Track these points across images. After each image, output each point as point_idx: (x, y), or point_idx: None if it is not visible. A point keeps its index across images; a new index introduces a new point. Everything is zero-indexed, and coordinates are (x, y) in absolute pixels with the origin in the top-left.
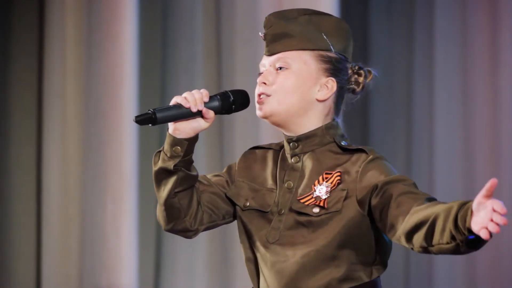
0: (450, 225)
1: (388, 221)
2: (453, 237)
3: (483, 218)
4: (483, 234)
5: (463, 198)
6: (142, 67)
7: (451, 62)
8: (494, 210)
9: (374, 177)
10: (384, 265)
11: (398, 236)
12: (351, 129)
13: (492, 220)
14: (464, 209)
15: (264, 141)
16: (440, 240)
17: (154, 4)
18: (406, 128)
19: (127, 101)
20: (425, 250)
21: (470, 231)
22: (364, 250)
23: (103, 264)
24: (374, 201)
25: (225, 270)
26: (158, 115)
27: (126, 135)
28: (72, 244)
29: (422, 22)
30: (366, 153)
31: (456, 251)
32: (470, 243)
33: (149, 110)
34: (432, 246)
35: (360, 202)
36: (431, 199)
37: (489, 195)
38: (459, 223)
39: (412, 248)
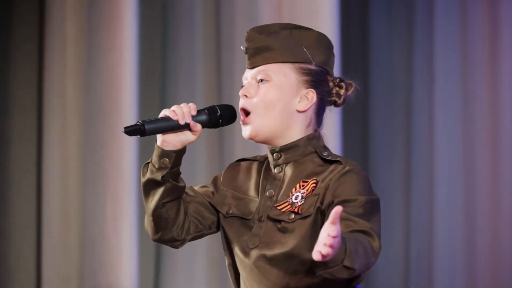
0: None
1: None
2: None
3: (318, 243)
4: (315, 256)
5: (462, 198)
6: (142, 67)
7: (451, 62)
8: (328, 235)
9: (338, 192)
10: (361, 276)
11: None
12: (351, 130)
13: (325, 244)
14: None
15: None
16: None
17: (154, 4)
18: (406, 128)
19: (127, 101)
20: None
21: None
22: None
23: (103, 264)
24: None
25: (224, 270)
26: (147, 126)
27: (126, 135)
28: (72, 244)
29: (421, 22)
30: (343, 164)
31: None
32: (318, 268)
33: (138, 121)
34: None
35: (322, 211)
36: (354, 231)
37: (334, 222)
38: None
39: None
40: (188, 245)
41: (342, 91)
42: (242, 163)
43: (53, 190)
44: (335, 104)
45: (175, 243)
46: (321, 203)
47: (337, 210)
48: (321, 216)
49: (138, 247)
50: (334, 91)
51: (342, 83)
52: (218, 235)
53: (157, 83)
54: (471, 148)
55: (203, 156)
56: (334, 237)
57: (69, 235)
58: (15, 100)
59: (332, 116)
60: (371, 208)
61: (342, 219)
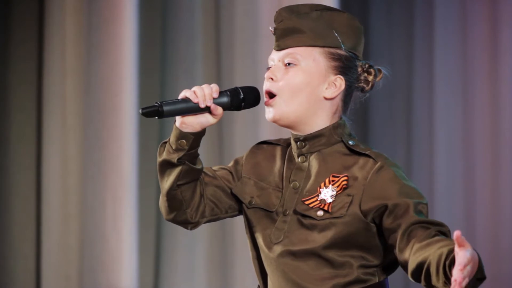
0: (442, 273)
1: (396, 249)
2: (445, 283)
3: (454, 274)
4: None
5: (462, 198)
6: (142, 67)
7: (451, 62)
8: (459, 270)
9: (382, 191)
10: (393, 266)
11: (405, 268)
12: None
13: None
14: (450, 258)
15: (263, 138)
16: (437, 283)
17: (154, 4)
18: (406, 128)
19: (127, 100)
20: None
21: None
22: (371, 254)
23: (103, 264)
24: (384, 223)
25: (224, 270)
26: (165, 108)
27: (126, 134)
28: (72, 244)
29: (421, 22)
30: (374, 159)
31: None
32: None
33: (156, 102)
34: (433, 286)
35: (364, 212)
36: (435, 234)
37: (461, 245)
38: (448, 273)
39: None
40: (188, 244)
41: (370, 77)
42: (266, 146)
43: (52, 190)
44: (362, 90)
45: (189, 225)
46: (360, 206)
47: (457, 233)
48: (363, 216)
49: (137, 247)
50: (362, 77)
51: (371, 69)
52: (217, 234)
53: (156, 83)
54: (471, 148)
55: (202, 148)
56: (462, 269)
57: (69, 235)
58: (15, 100)
59: None
60: (424, 204)
61: (411, 224)
